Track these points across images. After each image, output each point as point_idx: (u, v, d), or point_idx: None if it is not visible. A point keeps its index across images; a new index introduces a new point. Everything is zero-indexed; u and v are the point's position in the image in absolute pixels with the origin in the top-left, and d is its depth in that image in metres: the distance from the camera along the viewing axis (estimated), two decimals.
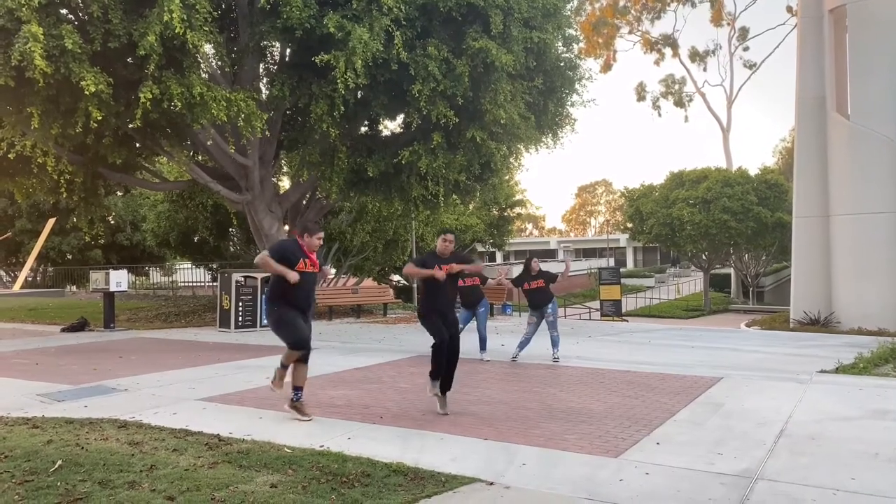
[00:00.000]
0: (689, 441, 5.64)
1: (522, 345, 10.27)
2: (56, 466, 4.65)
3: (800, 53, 20.43)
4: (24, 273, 31.11)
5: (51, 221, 28.13)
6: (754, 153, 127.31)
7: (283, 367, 6.41)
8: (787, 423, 6.22)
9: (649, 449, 5.40)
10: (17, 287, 30.18)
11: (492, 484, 4.54)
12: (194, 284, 29.59)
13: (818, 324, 18.79)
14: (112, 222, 31.75)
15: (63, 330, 14.70)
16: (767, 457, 5.18)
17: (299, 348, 6.27)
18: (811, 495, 4.35)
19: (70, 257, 32.49)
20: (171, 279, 33.25)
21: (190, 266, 29.93)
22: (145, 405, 6.90)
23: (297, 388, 6.38)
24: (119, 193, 26.90)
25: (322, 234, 6.50)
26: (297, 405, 6.34)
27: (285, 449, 5.19)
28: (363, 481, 4.48)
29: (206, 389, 7.78)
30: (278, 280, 6.21)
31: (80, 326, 14.74)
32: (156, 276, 33.63)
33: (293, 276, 6.09)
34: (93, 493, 4.16)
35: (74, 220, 19.38)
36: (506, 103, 13.25)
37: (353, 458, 4.98)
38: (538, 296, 10.16)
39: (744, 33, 50.37)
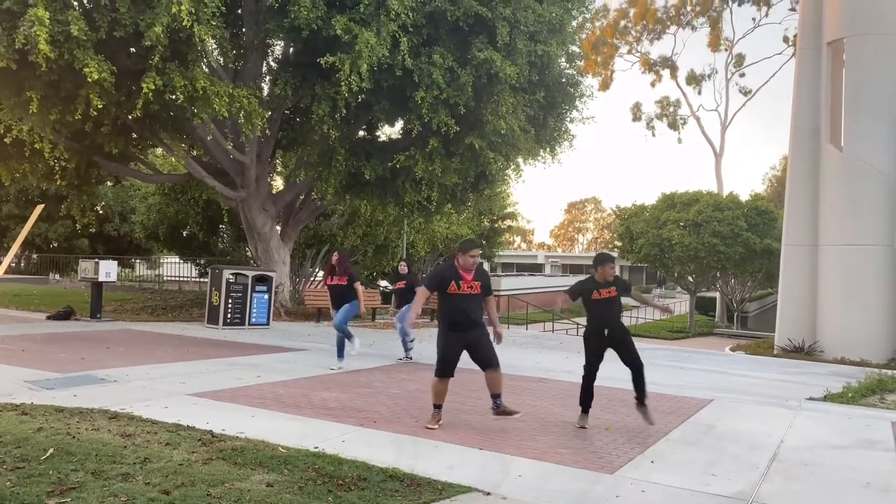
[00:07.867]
0: (684, 461, 5.65)
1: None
2: (47, 455, 4.57)
3: (797, 83, 20.64)
4: (9, 259, 30.63)
5: (38, 208, 27.62)
6: (745, 179, 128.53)
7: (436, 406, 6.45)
8: (778, 447, 6.24)
9: (644, 466, 5.40)
10: (0, 272, 29.80)
11: (489, 494, 4.52)
12: (181, 279, 29.35)
13: (802, 351, 18.89)
14: (101, 212, 31.45)
15: (49, 318, 14.53)
16: (761, 481, 5.19)
17: (438, 374, 6.39)
18: None
19: (56, 245, 32.15)
20: (156, 273, 32.97)
21: (177, 260, 29.69)
22: (135, 397, 6.82)
23: (495, 396, 6.54)
24: (109, 183, 26.69)
25: (477, 252, 6.42)
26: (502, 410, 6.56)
27: (280, 448, 5.15)
28: (360, 485, 4.45)
29: (196, 385, 7.70)
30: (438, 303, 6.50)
31: (65, 315, 14.57)
32: (141, 268, 33.34)
33: None
34: (86, 483, 4.09)
35: (66, 207, 19.16)
36: (507, 115, 13.32)
37: (349, 461, 4.94)
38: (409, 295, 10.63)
39: (740, 59, 50.87)
